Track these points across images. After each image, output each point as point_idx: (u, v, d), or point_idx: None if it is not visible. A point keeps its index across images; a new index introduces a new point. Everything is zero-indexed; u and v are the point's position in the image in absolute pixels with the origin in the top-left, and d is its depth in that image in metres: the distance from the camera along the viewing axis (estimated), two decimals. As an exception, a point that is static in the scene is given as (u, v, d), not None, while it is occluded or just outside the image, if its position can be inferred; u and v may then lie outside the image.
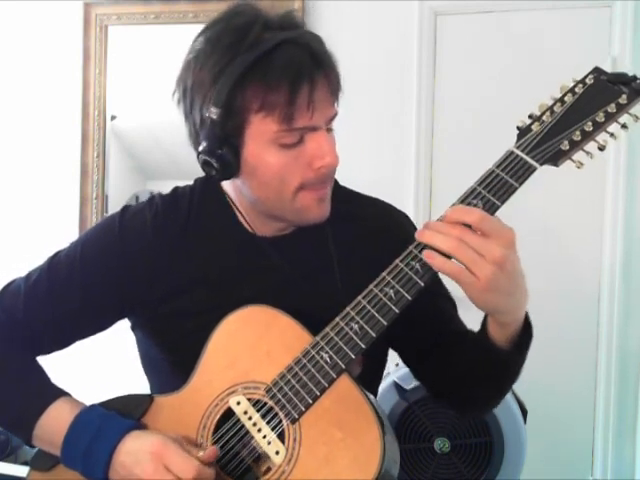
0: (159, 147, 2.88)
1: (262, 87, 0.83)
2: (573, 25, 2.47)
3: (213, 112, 0.84)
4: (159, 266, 0.96)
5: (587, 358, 2.50)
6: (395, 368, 1.90)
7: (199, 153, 0.89)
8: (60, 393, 0.93)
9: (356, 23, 2.59)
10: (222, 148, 0.86)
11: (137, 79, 2.88)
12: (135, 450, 0.83)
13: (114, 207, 2.92)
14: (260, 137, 0.86)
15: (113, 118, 2.92)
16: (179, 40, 2.77)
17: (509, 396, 1.93)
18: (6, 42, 3.04)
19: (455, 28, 2.59)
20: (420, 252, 0.81)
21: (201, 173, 0.95)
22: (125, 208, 1.02)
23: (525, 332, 0.87)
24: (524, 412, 1.95)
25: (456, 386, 0.97)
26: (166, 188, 1.06)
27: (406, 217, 1.08)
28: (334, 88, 0.89)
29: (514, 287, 0.78)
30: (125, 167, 2.97)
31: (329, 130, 0.91)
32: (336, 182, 1.00)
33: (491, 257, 0.75)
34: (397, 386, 1.89)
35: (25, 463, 2.74)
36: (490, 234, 0.76)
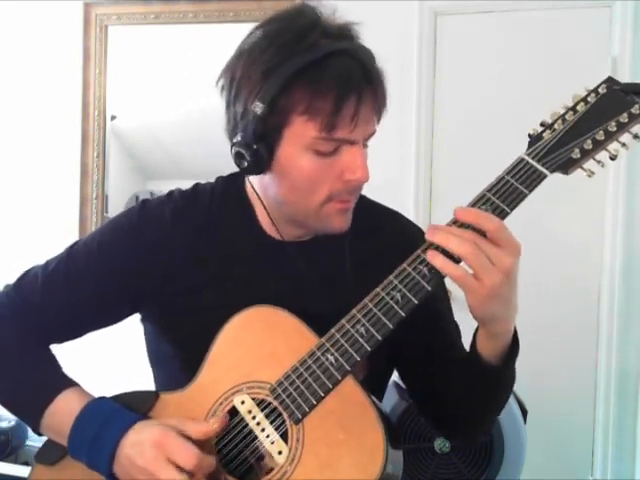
0: (159, 147, 2.88)
1: (310, 91, 0.83)
2: (573, 25, 2.47)
3: (258, 107, 0.84)
4: (175, 261, 0.96)
5: (587, 358, 2.51)
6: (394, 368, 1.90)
7: (233, 144, 0.89)
8: (70, 383, 0.94)
9: (356, 23, 2.59)
10: (258, 143, 0.86)
11: (137, 79, 2.89)
12: (138, 442, 0.84)
13: (114, 207, 2.92)
14: (298, 139, 0.86)
15: (113, 118, 2.92)
16: (179, 40, 2.81)
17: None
18: (6, 42, 3.04)
19: (455, 28, 2.59)
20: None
21: (200, 173, 0.94)
22: (144, 201, 1.02)
23: (513, 347, 0.88)
24: (524, 412, 1.96)
25: (448, 408, 0.97)
26: (166, 188, 1.06)
27: (422, 231, 1.09)
28: (379, 106, 0.90)
29: (513, 296, 0.80)
30: (125, 167, 2.97)
31: (364, 146, 0.91)
32: None
33: (502, 266, 0.76)
34: (397, 386, 1.89)
35: (25, 463, 2.75)
36: (502, 243, 0.77)
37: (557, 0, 2.47)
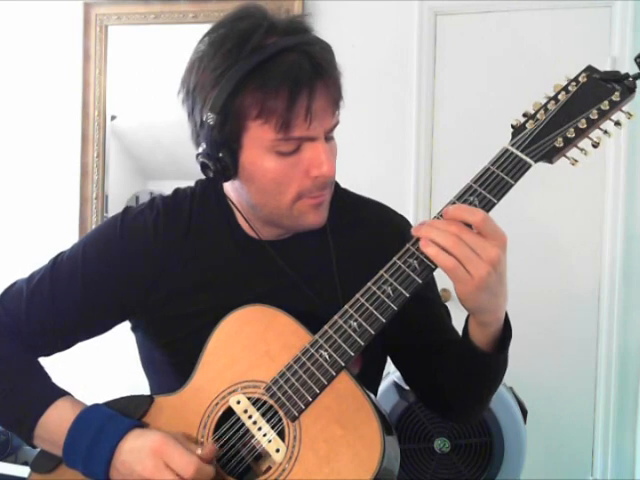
0: (159, 147, 2.88)
1: (261, 94, 0.83)
2: (573, 25, 2.47)
3: (210, 117, 0.84)
4: (160, 267, 0.96)
5: (587, 358, 2.51)
6: (395, 368, 1.90)
7: (197, 155, 0.90)
8: (61, 393, 0.93)
9: (356, 23, 2.60)
10: (220, 151, 0.87)
11: (137, 79, 2.89)
12: (137, 448, 0.83)
13: (114, 207, 2.92)
14: (257, 144, 0.86)
15: (113, 118, 2.92)
16: (179, 40, 2.81)
17: (509, 396, 1.93)
18: (6, 42, 3.04)
19: (455, 28, 2.59)
20: (418, 249, 0.81)
21: (200, 174, 0.95)
22: (126, 209, 1.02)
23: (505, 332, 0.88)
24: (524, 412, 1.96)
25: (443, 391, 0.97)
26: (166, 188, 1.06)
27: (406, 221, 1.09)
28: (334, 98, 0.88)
29: (501, 287, 0.80)
30: (125, 167, 2.97)
31: (328, 139, 0.90)
32: (337, 184, 1.00)
33: (487, 256, 0.76)
34: (397, 386, 1.89)
35: (25, 463, 2.75)
36: (487, 234, 0.77)
37: (557, 0, 2.47)
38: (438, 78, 2.61)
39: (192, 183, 1.05)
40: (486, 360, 0.88)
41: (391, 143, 2.62)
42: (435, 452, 1.90)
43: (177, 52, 2.81)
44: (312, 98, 0.84)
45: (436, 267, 0.80)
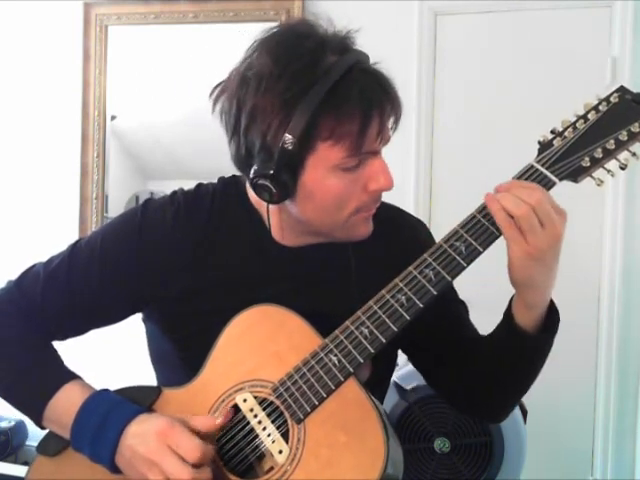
0: (159, 147, 2.88)
1: (335, 117, 0.82)
2: (573, 25, 2.47)
3: (289, 141, 0.81)
4: (177, 262, 0.96)
5: (587, 358, 2.51)
6: (395, 368, 1.89)
7: (255, 177, 0.86)
8: (72, 376, 0.94)
9: (356, 23, 2.59)
10: (285, 174, 0.84)
11: (137, 79, 2.89)
12: (141, 432, 0.84)
13: (114, 207, 2.93)
14: (323, 163, 0.85)
15: (113, 118, 2.92)
16: (179, 40, 2.80)
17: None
18: (6, 42, 3.04)
19: (455, 28, 2.59)
20: (435, 260, 0.82)
21: (200, 173, 0.94)
22: (147, 201, 1.02)
23: (551, 316, 0.88)
24: (524, 412, 1.95)
25: (476, 389, 0.97)
26: (166, 188, 1.06)
27: (422, 223, 1.10)
28: (398, 115, 0.89)
29: (554, 265, 0.81)
30: (125, 167, 2.97)
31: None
32: None
33: (553, 229, 0.78)
34: (397, 386, 1.89)
35: (25, 463, 2.75)
36: (556, 211, 0.79)
37: (557, 0, 2.47)
38: (438, 78, 2.61)
39: (192, 183, 1.05)
40: (532, 343, 0.88)
41: (391, 143, 2.62)
42: (435, 452, 1.90)
43: (177, 52, 2.81)
44: (383, 119, 0.85)
45: (453, 279, 0.81)
